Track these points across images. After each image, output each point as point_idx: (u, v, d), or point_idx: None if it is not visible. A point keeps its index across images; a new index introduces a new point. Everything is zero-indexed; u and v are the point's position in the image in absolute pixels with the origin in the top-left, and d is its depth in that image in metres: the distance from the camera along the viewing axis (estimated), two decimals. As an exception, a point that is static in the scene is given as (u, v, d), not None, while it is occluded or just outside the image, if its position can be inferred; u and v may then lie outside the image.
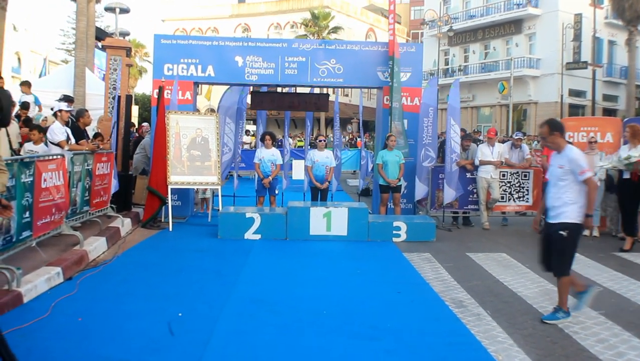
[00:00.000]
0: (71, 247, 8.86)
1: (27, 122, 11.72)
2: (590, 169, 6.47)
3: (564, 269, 6.57)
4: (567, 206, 6.49)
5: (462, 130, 15.70)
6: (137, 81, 51.90)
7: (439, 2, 49.27)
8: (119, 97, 13.28)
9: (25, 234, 7.55)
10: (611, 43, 45.14)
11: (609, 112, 43.90)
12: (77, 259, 8.31)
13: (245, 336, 5.87)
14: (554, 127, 6.71)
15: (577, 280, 6.88)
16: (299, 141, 33.20)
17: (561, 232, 6.49)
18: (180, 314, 6.46)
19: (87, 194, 10.18)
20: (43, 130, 10.54)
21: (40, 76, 23.34)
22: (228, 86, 14.84)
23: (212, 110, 48.77)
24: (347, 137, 39.72)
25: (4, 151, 8.92)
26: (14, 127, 11.04)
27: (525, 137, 22.32)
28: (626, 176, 10.72)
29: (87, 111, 12.01)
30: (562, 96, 40.73)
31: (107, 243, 9.85)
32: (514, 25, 45.15)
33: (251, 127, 38.08)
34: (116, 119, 12.90)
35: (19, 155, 9.63)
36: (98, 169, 10.64)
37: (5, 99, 4.07)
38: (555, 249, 6.58)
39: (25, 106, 13.25)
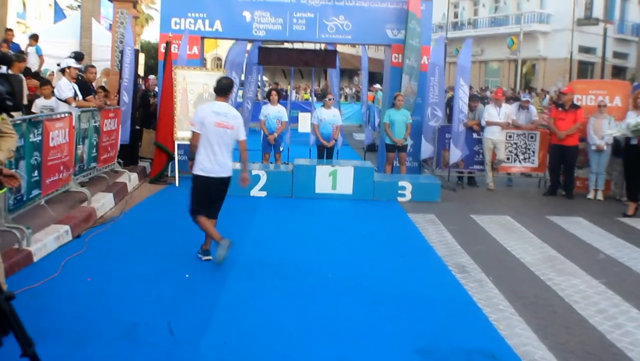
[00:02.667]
0: (79, 204, 8.96)
1: (30, 74, 11.67)
2: (194, 125, 6.93)
3: (190, 209, 7.24)
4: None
5: (470, 87, 15.63)
6: (143, 29, 51.36)
7: (450, -46, 48.47)
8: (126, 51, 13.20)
9: (35, 192, 7.65)
10: (624, -1, 44.46)
11: (618, 70, 43.47)
12: (85, 217, 8.42)
13: (252, 299, 5.97)
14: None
15: (213, 230, 7.11)
16: (305, 93, 32.99)
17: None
18: (187, 275, 6.58)
19: (94, 151, 10.24)
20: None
21: (55, 22, 23.13)
22: (234, 41, 14.76)
23: (219, 59, 48.44)
24: (353, 90, 39.50)
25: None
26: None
27: (532, 96, 22.24)
28: (634, 142, 10.70)
29: (92, 67, 11.96)
30: (571, 52, 40.28)
31: (114, 199, 9.94)
32: (525, -21, 44.47)
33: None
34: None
35: (31, 111, 9.67)
36: (105, 125, 10.69)
37: (17, 84, 4.09)
38: None
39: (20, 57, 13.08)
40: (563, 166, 12.38)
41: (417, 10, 13.22)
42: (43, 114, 8.80)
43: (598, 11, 38.93)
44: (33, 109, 9.64)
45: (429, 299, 6.17)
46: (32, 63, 13.69)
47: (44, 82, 10.33)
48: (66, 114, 8.85)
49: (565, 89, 13.21)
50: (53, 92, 10.36)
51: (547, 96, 26.58)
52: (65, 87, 10.25)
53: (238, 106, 16.13)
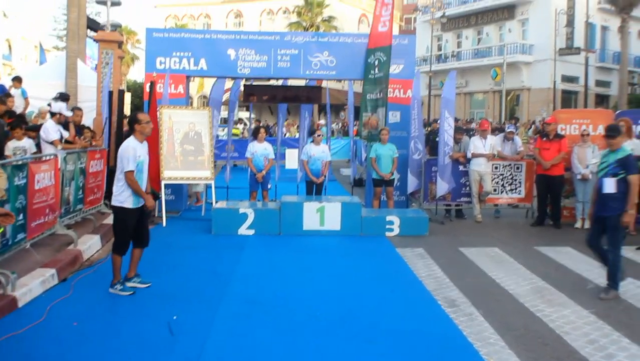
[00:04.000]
0: (65, 246, 8.88)
1: (15, 116, 11.64)
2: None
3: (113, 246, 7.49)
4: None
5: (455, 119, 15.73)
6: (129, 68, 51.62)
7: (432, -12, 49.13)
8: (111, 92, 13.24)
9: (20, 236, 7.57)
10: (604, 29, 45.06)
11: (601, 98, 43.98)
12: (72, 260, 8.33)
13: (241, 338, 5.91)
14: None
15: (117, 268, 7.39)
16: (295, 130, 33.07)
17: None
18: (175, 317, 6.49)
19: (80, 193, 10.18)
20: (32, 128, 10.56)
21: (40, 64, 23.26)
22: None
23: (205, 97, 48.61)
24: (340, 124, 39.65)
25: None
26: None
27: (518, 125, 22.40)
28: (618, 170, 10.74)
29: (78, 109, 11.98)
30: (555, 82, 40.73)
31: (101, 241, 9.86)
32: (507, 11, 45.04)
33: (243, 114, 38.02)
34: (108, 115, 12.90)
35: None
36: (91, 166, 10.66)
37: (-1, 130, 4.08)
38: None
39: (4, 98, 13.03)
40: (549, 195, 12.43)
41: (383, 40, 13.30)
42: (27, 156, 8.76)
43: (579, 41, 39.44)
44: (5, 152, 9.60)
45: (420, 334, 6.14)
46: (17, 105, 13.64)
47: (14, 125, 10.31)
48: (51, 156, 8.83)
49: (549, 118, 13.33)
50: (38, 135, 10.37)
51: (533, 126, 26.84)
52: (52, 129, 10.27)
53: (224, 143, 16.17)
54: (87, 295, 7.24)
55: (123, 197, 7.22)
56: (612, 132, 7.67)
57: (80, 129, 11.72)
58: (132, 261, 7.55)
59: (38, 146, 10.53)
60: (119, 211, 7.29)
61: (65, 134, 10.84)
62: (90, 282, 7.81)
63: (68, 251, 8.64)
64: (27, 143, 10.07)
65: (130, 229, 7.37)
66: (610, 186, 7.54)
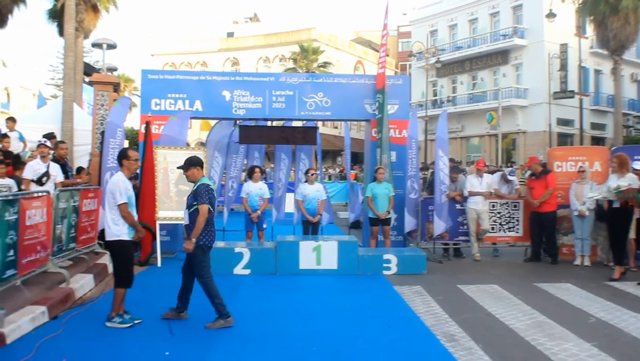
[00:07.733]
0: (57, 285, 8.72)
1: (7, 156, 11.61)
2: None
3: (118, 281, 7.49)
4: None
5: (451, 160, 15.71)
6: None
7: (426, 34, 49.69)
8: (103, 132, 13.19)
9: (10, 272, 7.41)
10: (597, 72, 45.58)
11: (597, 140, 44.16)
12: (63, 298, 8.18)
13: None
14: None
15: (119, 302, 7.43)
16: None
17: None
18: (167, 353, 6.35)
19: (73, 231, 10.04)
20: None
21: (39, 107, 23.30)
22: (217, 120, 14.79)
23: (202, 143, 48.78)
24: (337, 170, 39.75)
25: None
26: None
27: (516, 170, 22.40)
28: (616, 205, 10.69)
29: (62, 142, 11.96)
30: (550, 125, 40.97)
31: (94, 280, 9.70)
32: (500, 56, 45.53)
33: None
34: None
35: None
36: (85, 205, 10.51)
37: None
38: None
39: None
40: (543, 232, 12.39)
41: (380, 82, 13.48)
42: (19, 192, 8.69)
43: (573, 84, 39.77)
44: None
45: (418, 368, 5.99)
46: (15, 148, 13.61)
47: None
48: (44, 193, 8.73)
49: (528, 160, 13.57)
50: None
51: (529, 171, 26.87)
52: (29, 168, 10.32)
53: (222, 187, 16.03)
54: (78, 332, 7.07)
55: (118, 230, 7.31)
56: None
57: (63, 166, 11.66)
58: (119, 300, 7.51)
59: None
60: (117, 245, 7.37)
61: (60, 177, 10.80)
62: (82, 320, 7.65)
63: (60, 290, 8.48)
64: (10, 181, 10.07)
65: (132, 260, 7.58)
66: (185, 218, 7.74)
